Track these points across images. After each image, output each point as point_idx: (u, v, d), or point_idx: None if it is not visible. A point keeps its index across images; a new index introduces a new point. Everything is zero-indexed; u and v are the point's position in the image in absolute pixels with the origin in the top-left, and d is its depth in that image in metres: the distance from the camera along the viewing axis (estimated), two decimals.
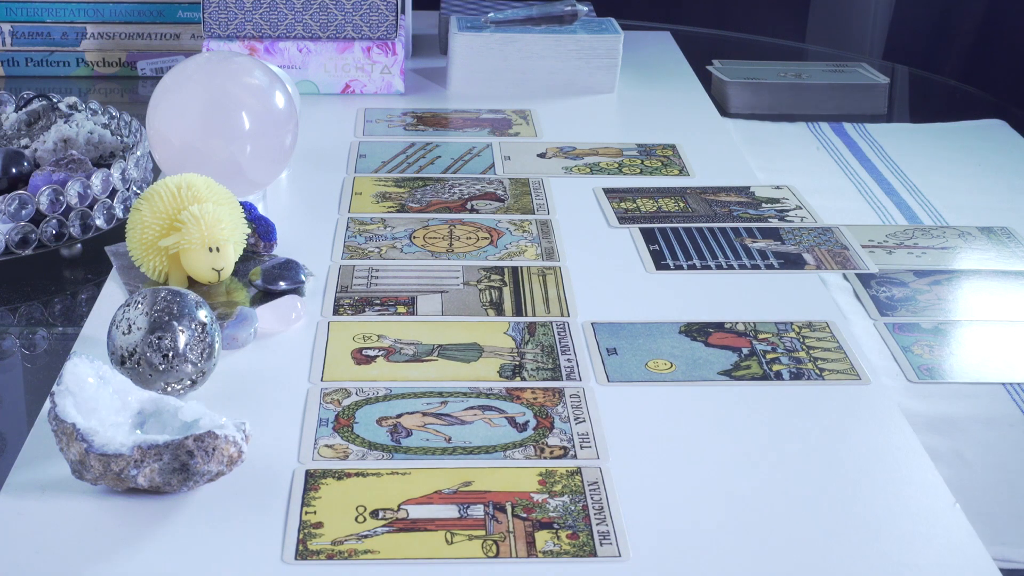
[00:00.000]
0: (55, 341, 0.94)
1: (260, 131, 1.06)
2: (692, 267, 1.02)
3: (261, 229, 1.00)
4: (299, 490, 0.73)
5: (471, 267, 1.01)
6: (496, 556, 0.68)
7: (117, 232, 1.04)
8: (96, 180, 1.03)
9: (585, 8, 1.50)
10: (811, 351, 0.89)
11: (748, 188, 1.19)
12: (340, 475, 0.74)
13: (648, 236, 1.08)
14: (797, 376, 0.86)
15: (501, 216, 1.11)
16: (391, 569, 0.67)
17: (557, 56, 1.45)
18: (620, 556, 0.68)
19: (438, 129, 1.33)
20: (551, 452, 0.77)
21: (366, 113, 1.37)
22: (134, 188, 1.09)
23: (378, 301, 0.95)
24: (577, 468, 0.75)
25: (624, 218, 1.12)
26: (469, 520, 0.71)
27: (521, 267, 1.01)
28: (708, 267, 1.02)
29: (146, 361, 0.79)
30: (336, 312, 0.93)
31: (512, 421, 0.80)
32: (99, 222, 1.04)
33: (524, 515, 0.71)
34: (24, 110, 1.18)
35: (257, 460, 0.75)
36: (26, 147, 1.14)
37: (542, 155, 1.27)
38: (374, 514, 0.71)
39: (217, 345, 0.81)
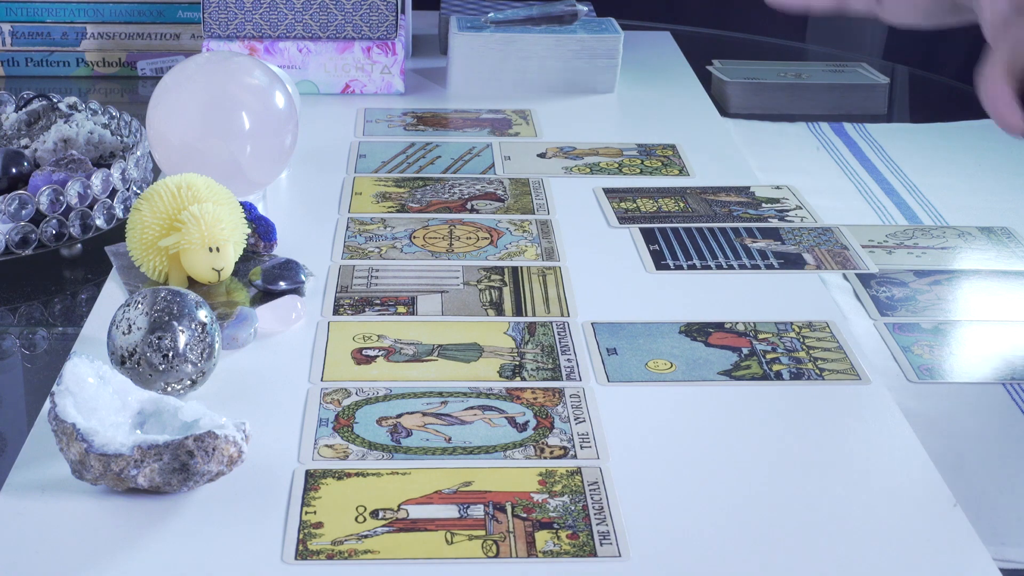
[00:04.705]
0: (55, 341, 0.94)
1: (260, 131, 1.06)
2: (692, 267, 1.02)
3: (261, 229, 1.00)
4: (299, 490, 0.73)
5: (471, 267, 1.01)
6: (496, 556, 0.68)
7: (117, 232, 1.04)
8: (96, 180, 1.03)
9: (585, 8, 1.50)
10: (811, 351, 0.89)
11: (748, 188, 1.19)
12: (340, 475, 0.74)
13: (648, 236, 1.08)
14: (797, 376, 0.86)
15: (501, 216, 1.11)
16: (391, 569, 0.67)
17: (557, 56, 1.45)
18: (620, 556, 0.68)
19: (438, 129, 1.33)
20: (551, 452, 0.77)
21: (366, 113, 1.37)
22: (134, 188, 1.09)
23: (378, 301, 0.95)
24: (577, 468, 0.75)
25: (624, 218, 1.12)
26: (469, 520, 0.71)
27: (521, 267, 1.01)
28: (708, 267, 1.02)
29: (146, 361, 0.79)
30: (336, 312, 0.93)
31: (512, 421, 0.80)
32: (99, 222, 1.04)
33: (524, 515, 0.71)
34: (24, 110, 1.18)
35: (257, 460, 0.75)
36: (26, 147, 1.14)
37: (542, 155, 1.27)
38: (374, 514, 0.71)
39: (217, 345, 0.81)
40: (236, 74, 1.07)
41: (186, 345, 0.79)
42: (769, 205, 1.15)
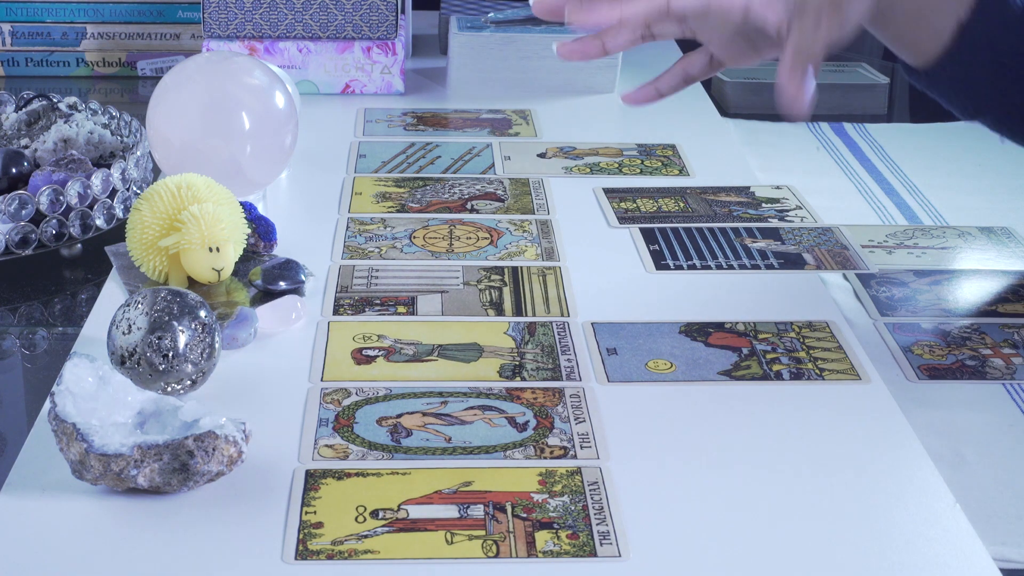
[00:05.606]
0: (55, 341, 0.94)
1: (260, 131, 1.06)
2: (692, 267, 1.02)
3: (261, 229, 1.00)
4: (299, 490, 0.73)
5: (471, 267, 1.01)
6: (496, 556, 0.68)
7: (117, 232, 1.04)
8: (96, 180, 1.03)
9: None
10: (811, 351, 0.89)
11: (748, 188, 1.19)
12: (340, 475, 0.74)
13: (648, 236, 1.08)
14: (797, 376, 0.86)
15: (501, 216, 1.11)
16: (391, 569, 0.67)
17: (557, 56, 1.45)
18: (620, 556, 0.68)
19: (438, 129, 1.33)
20: (551, 452, 0.77)
21: (366, 113, 1.37)
22: (134, 188, 1.09)
23: (378, 301, 0.95)
24: (577, 468, 0.75)
25: (624, 218, 1.12)
26: (469, 520, 0.71)
27: (521, 267, 1.01)
28: (708, 267, 1.02)
29: (146, 361, 0.79)
30: (336, 312, 0.93)
31: (512, 421, 0.80)
32: (99, 222, 1.04)
33: (524, 515, 0.71)
34: (24, 110, 1.18)
35: (257, 460, 0.75)
36: (26, 147, 1.14)
37: (542, 155, 1.27)
38: (374, 514, 0.71)
39: (217, 345, 0.81)
40: (236, 74, 1.07)
41: (186, 345, 0.79)
42: (769, 205, 1.15)
